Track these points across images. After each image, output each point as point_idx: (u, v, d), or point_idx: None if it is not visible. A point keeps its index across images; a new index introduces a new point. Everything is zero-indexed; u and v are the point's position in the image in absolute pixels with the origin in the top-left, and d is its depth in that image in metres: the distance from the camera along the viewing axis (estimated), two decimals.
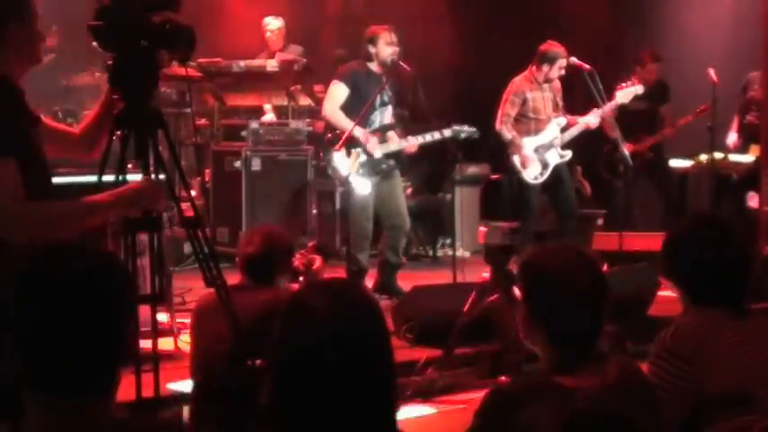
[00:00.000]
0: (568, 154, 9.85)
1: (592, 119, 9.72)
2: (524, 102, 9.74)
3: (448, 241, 11.40)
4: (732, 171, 10.55)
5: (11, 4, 3.86)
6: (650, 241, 8.64)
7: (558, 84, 9.90)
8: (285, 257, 5.36)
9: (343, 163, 8.61)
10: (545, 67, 9.69)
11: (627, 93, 9.89)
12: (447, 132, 8.99)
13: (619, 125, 10.27)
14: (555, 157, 9.77)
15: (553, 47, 9.68)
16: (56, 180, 4.22)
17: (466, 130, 9.02)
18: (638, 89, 9.94)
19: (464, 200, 11.39)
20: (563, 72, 9.69)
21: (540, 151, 9.73)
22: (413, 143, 8.95)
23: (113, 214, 4.11)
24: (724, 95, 10.07)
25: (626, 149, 10.01)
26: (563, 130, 9.81)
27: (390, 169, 8.88)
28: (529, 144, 9.71)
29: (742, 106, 10.90)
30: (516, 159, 9.71)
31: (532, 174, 9.73)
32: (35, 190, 3.70)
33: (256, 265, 5.21)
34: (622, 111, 10.39)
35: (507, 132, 9.71)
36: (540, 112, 9.78)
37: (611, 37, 12.27)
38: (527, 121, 9.77)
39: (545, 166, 9.75)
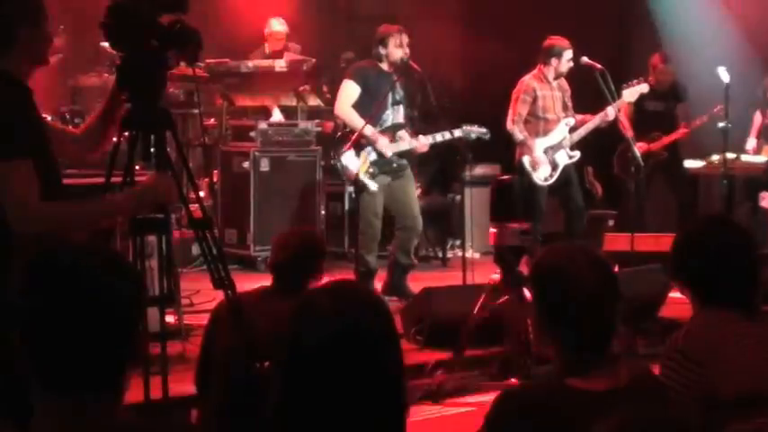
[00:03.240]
0: (577, 154, 9.84)
1: (610, 110, 9.67)
2: (535, 100, 9.73)
3: (458, 242, 11.39)
4: (744, 172, 10.52)
5: (22, 5, 3.87)
6: (661, 242, 8.62)
7: (566, 84, 9.90)
8: (317, 262, 5.21)
9: (353, 162, 8.59)
10: (554, 62, 9.70)
11: (633, 91, 9.90)
12: (457, 132, 8.99)
13: (635, 126, 10.27)
14: (564, 158, 9.77)
15: (557, 41, 9.70)
16: (66, 181, 4.22)
17: (476, 131, 9.01)
18: (644, 87, 9.95)
19: (474, 201, 11.35)
20: (571, 64, 9.68)
21: (550, 152, 9.72)
22: (424, 143, 8.94)
23: (129, 213, 4.11)
24: (736, 95, 10.03)
25: (638, 150, 10.00)
26: (571, 130, 9.80)
27: (401, 168, 8.88)
28: (539, 145, 9.70)
29: (763, 109, 10.88)
30: (526, 160, 9.69)
31: (542, 175, 9.72)
32: (48, 189, 3.72)
33: (285, 271, 5.07)
34: (639, 111, 10.39)
35: (519, 133, 9.70)
36: (549, 111, 9.78)
37: (620, 37, 12.25)
38: (536, 121, 9.76)
39: (554, 167, 9.74)
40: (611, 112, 9.65)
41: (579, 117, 9.89)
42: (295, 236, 5.22)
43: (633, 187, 10.27)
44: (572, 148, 9.82)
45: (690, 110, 10.93)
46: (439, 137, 8.95)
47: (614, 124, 9.91)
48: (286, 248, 5.05)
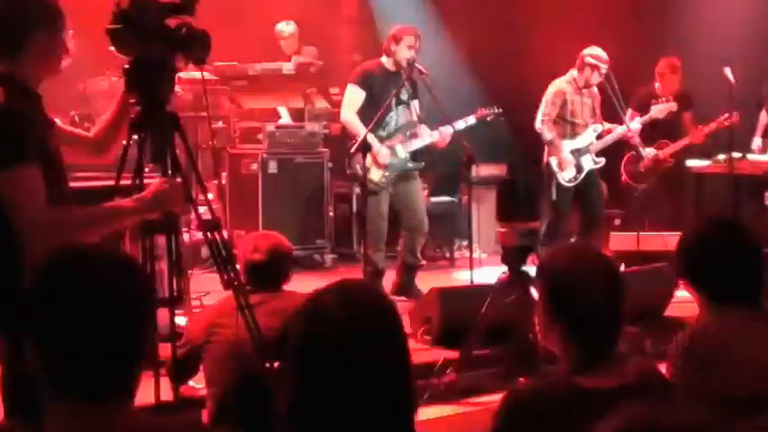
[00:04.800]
0: (602, 161, 9.87)
1: (634, 124, 9.75)
2: (564, 104, 9.75)
3: (464, 243, 11.38)
4: (750, 171, 10.51)
5: (36, 11, 3.87)
6: (667, 241, 8.63)
7: (596, 91, 9.91)
8: (289, 263, 5.40)
9: (367, 166, 8.58)
10: (586, 71, 9.70)
11: (662, 108, 9.98)
12: (471, 119, 9.02)
13: (642, 133, 10.30)
14: (589, 163, 9.80)
15: (595, 53, 9.69)
16: (73, 184, 4.23)
17: (491, 113, 9.04)
18: (673, 106, 10.05)
19: (480, 201, 11.37)
20: (602, 78, 9.69)
21: (576, 155, 9.75)
22: (444, 134, 8.92)
23: (136, 218, 4.12)
24: (742, 95, 10.02)
25: (647, 155, 10.07)
26: (598, 137, 9.84)
27: (416, 169, 8.90)
28: (566, 146, 9.72)
29: None
30: (554, 161, 9.71)
31: (567, 176, 9.74)
32: (54, 194, 3.72)
33: (264, 273, 5.21)
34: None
35: (548, 132, 9.72)
36: (578, 116, 9.81)
37: (628, 38, 12.23)
38: (564, 124, 9.79)
39: (579, 170, 9.76)
40: (634, 128, 9.75)
41: (607, 126, 9.94)
42: (266, 239, 5.35)
43: (640, 189, 10.31)
44: (597, 155, 9.86)
45: (695, 117, 10.89)
46: (456, 127, 8.95)
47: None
48: (259, 252, 5.18)
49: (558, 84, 9.84)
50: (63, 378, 2.26)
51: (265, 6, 12.22)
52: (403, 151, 8.82)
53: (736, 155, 10.11)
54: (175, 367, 4.73)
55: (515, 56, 11.84)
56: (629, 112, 10.29)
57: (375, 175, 8.67)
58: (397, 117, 8.86)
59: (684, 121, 10.85)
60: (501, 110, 9.12)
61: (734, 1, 11.97)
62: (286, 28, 11.88)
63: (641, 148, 10.04)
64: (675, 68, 10.76)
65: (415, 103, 9.00)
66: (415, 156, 8.92)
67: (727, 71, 9.82)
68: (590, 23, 11.32)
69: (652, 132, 10.51)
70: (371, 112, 8.63)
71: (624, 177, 10.87)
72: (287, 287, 5.31)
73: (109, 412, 2.29)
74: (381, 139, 8.77)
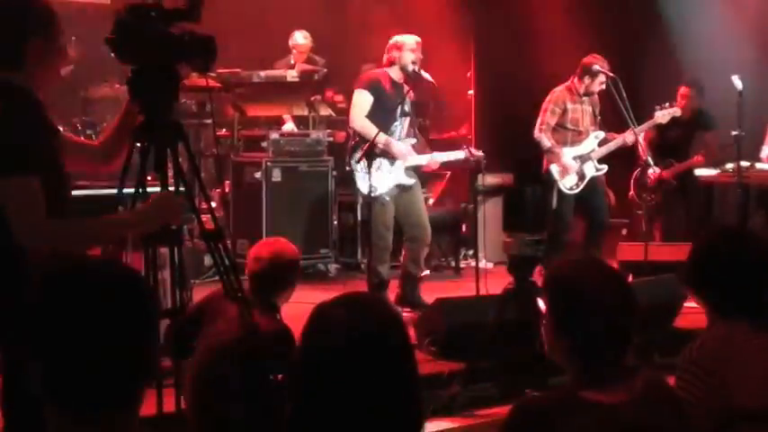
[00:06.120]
0: (605, 168, 9.88)
1: (628, 136, 9.74)
2: (564, 112, 9.78)
3: (470, 252, 11.36)
4: (759, 180, 10.50)
5: (35, 19, 3.86)
6: (676, 252, 8.60)
7: (596, 97, 9.92)
8: (290, 273, 5.29)
9: (365, 172, 8.54)
10: (586, 80, 9.73)
11: (665, 113, 10.00)
12: (460, 154, 9.03)
13: (655, 150, 10.31)
14: (591, 170, 9.81)
15: (596, 61, 9.70)
16: (76, 192, 4.22)
17: (475, 155, 9.06)
18: (677, 111, 10.05)
19: (487, 210, 11.34)
20: (603, 87, 9.69)
21: (578, 162, 9.75)
22: (437, 160, 8.94)
23: (135, 231, 4.11)
24: (749, 103, 10.00)
25: (653, 171, 10.08)
26: (600, 143, 9.83)
27: (411, 179, 8.86)
28: (567, 153, 9.72)
29: None
30: (554, 168, 9.72)
31: (569, 184, 9.75)
32: (54, 203, 3.71)
33: (257, 282, 5.19)
34: (659, 137, 10.44)
35: (547, 141, 9.74)
36: (579, 124, 9.83)
37: (631, 45, 12.23)
38: (564, 132, 9.81)
39: (581, 177, 9.77)
40: (629, 138, 9.74)
41: (608, 134, 9.94)
42: (268, 247, 5.31)
43: (647, 201, 10.33)
44: (600, 162, 9.86)
45: (718, 138, 10.86)
46: (444, 157, 9.02)
47: (633, 145, 9.96)
48: (259, 260, 5.15)
49: (558, 92, 9.87)
50: (65, 391, 2.23)
51: (276, 14, 12.24)
52: (401, 164, 8.78)
53: (745, 164, 10.09)
54: (175, 339, 4.65)
55: (520, 67, 11.83)
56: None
57: (366, 181, 8.62)
58: (401, 128, 8.84)
59: (707, 141, 10.85)
60: (483, 155, 9.12)
61: (742, 10, 11.95)
62: (302, 40, 11.90)
63: (649, 158, 10.02)
64: (688, 83, 10.77)
65: (409, 119, 8.96)
66: (410, 169, 8.88)
67: (736, 80, 9.80)
68: (596, 34, 11.33)
69: (663, 152, 10.53)
70: (376, 119, 8.59)
71: (632, 192, 10.88)
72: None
73: (112, 426, 2.26)
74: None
